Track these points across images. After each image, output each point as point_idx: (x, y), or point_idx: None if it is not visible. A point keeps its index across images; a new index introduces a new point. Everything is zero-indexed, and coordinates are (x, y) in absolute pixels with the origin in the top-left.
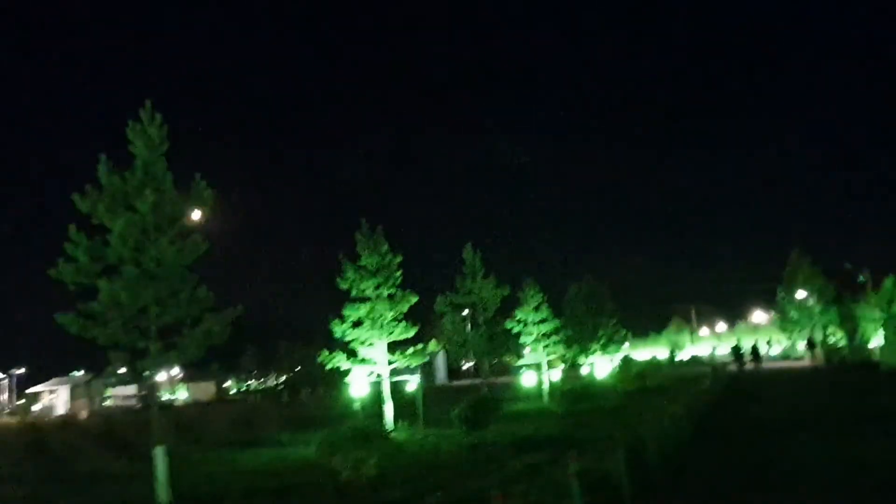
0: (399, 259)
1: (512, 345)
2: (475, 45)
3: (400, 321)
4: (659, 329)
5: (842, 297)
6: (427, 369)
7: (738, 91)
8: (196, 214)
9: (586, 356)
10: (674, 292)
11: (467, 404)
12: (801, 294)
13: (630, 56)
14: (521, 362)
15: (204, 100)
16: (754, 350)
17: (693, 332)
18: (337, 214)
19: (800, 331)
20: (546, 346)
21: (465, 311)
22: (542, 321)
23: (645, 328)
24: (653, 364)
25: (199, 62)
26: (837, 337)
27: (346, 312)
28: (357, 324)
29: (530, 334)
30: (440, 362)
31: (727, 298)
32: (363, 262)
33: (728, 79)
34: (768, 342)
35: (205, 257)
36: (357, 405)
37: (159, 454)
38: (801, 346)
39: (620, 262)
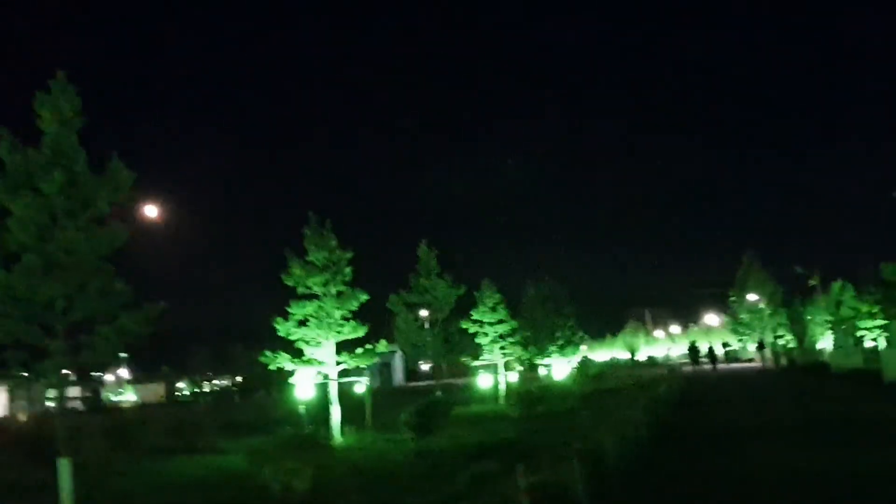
0: (349, 255)
1: (468, 345)
2: (443, 44)
3: (349, 320)
4: (615, 331)
5: (791, 301)
6: (384, 371)
7: (694, 100)
8: (151, 210)
9: (543, 357)
10: (629, 295)
11: (415, 409)
12: (751, 297)
13: (595, 62)
14: (477, 363)
15: (156, 96)
16: (711, 352)
17: (648, 334)
18: (293, 210)
19: (751, 333)
20: (503, 348)
21: (425, 313)
22: (499, 322)
23: (602, 330)
24: (610, 365)
25: (158, 56)
26: (786, 339)
27: (291, 310)
28: (303, 322)
29: (486, 335)
30: (398, 363)
31: (681, 301)
32: (311, 257)
33: (687, 88)
34: (725, 345)
35: (158, 254)
36: (302, 409)
37: (64, 468)
38: (751, 347)
39: (577, 265)
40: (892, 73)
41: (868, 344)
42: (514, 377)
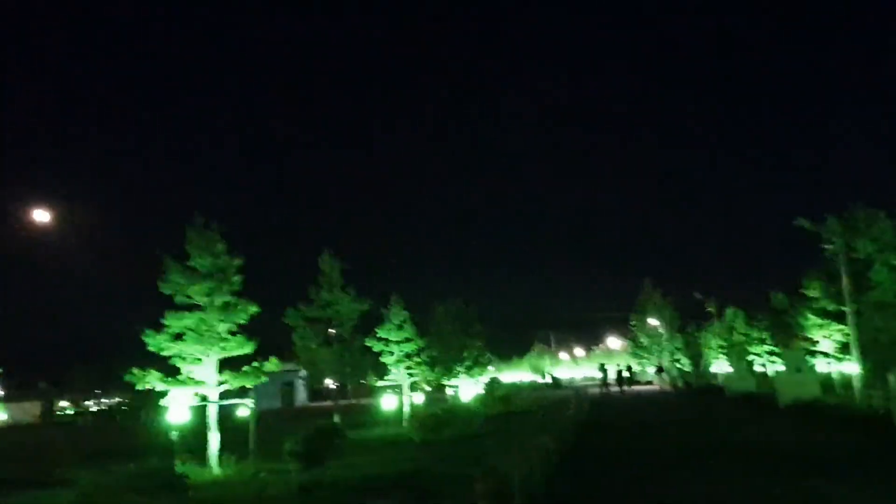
0: (239, 262)
1: (371, 364)
2: (349, 47)
3: (236, 334)
4: (521, 353)
5: (686, 326)
6: (287, 390)
7: (599, 129)
8: (42, 215)
9: (450, 378)
10: (535, 318)
11: (303, 435)
12: (651, 322)
13: (503, 91)
14: (382, 384)
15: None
16: (620, 375)
17: (553, 356)
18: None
19: (650, 356)
20: (409, 368)
21: (333, 330)
22: (406, 340)
23: (508, 352)
24: (517, 388)
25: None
26: (683, 363)
27: (166, 321)
28: (180, 336)
29: (392, 354)
30: (301, 383)
31: (584, 325)
32: (193, 262)
33: (591, 116)
34: (628, 368)
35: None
36: (174, 435)
37: None
38: (650, 370)
39: (485, 286)
40: (788, 108)
41: (757, 368)
42: (419, 399)
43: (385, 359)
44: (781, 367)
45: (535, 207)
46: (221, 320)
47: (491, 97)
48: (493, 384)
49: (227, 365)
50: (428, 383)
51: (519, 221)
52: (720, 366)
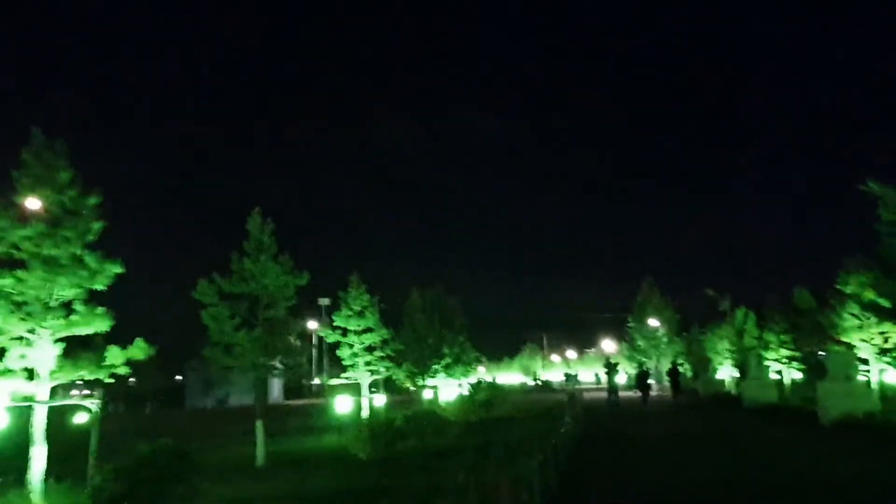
0: (95, 200)
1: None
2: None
3: (88, 304)
4: (512, 354)
5: (688, 327)
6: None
7: (600, 128)
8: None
9: (425, 377)
10: (527, 318)
11: (115, 466)
12: (652, 322)
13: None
14: (336, 382)
15: None
16: (641, 377)
17: (545, 358)
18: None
19: (648, 360)
20: (368, 363)
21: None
22: (367, 330)
23: (499, 353)
24: (503, 390)
25: None
26: (685, 367)
27: None
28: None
29: (350, 346)
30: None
31: (578, 326)
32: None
33: (595, 117)
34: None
35: None
36: None
37: None
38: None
39: (475, 283)
40: (792, 106)
41: (773, 375)
42: (381, 400)
43: (341, 352)
44: (798, 374)
45: (530, 203)
46: (63, 283)
47: (487, 86)
48: (479, 386)
49: (75, 349)
50: (409, 381)
51: (514, 217)
52: (726, 371)
